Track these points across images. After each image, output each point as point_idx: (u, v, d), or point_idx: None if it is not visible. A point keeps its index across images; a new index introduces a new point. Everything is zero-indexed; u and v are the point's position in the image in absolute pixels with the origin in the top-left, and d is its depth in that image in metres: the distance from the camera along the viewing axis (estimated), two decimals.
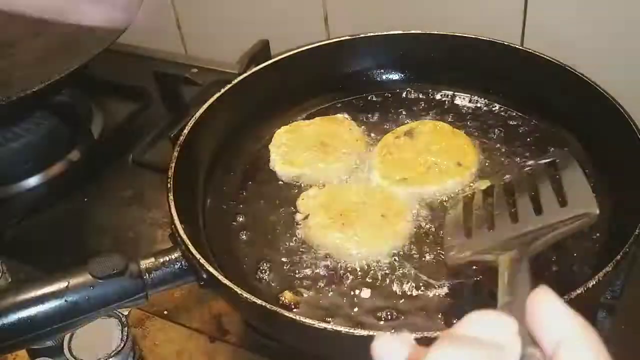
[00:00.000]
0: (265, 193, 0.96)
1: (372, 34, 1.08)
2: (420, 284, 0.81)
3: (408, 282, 0.81)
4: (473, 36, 1.05)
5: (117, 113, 1.30)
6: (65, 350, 0.81)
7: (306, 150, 0.98)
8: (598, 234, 0.84)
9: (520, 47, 1.05)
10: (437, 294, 0.80)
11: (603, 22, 1.08)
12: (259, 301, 0.69)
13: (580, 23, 1.09)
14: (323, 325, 0.67)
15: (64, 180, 1.17)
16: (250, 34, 1.16)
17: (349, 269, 0.83)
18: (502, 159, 0.96)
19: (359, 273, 0.83)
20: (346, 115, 1.05)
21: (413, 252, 0.85)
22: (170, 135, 0.98)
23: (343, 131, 1.01)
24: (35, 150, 1.17)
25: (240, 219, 0.92)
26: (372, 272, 0.83)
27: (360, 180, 0.95)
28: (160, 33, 1.48)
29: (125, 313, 0.84)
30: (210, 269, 0.73)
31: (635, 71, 1.08)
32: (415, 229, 0.87)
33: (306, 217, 0.89)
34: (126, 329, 0.83)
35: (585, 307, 0.79)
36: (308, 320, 0.68)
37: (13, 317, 0.70)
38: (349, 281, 0.82)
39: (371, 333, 0.65)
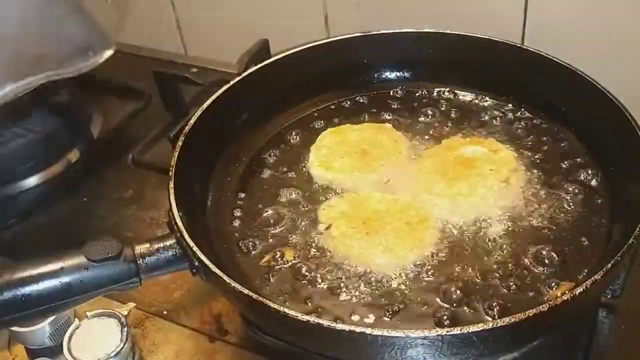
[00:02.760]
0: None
1: (372, 33, 1.08)
2: (448, 293, 0.79)
3: (436, 290, 0.79)
4: (473, 35, 1.04)
5: (117, 113, 1.30)
6: (65, 351, 0.81)
7: (345, 155, 0.95)
8: (598, 233, 0.84)
9: (521, 46, 1.05)
10: (466, 302, 0.78)
11: (603, 21, 1.08)
12: (246, 290, 0.69)
13: (580, 22, 1.09)
14: (326, 323, 0.67)
15: (64, 180, 1.17)
16: (250, 34, 1.16)
17: (372, 277, 0.81)
18: None
19: (383, 281, 0.80)
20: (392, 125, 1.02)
21: (439, 259, 0.82)
22: (170, 135, 0.98)
23: (387, 141, 0.97)
24: (35, 150, 1.17)
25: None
26: (396, 279, 0.81)
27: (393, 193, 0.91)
28: (160, 33, 1.48)
29: (125, 313, 0.84)
30: (202, 257, 0.73)
31: (635, 70, 1.08)
32: (440, 236, 0.85)
33: (328, 227, 0.87)
34: (126, 329, 0.82)
35: (586, 307, 0.80)
36: (321, 320, 0.67)
37: (8, 295, 0.71)
38: (368, 288, 0.80)
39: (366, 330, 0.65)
